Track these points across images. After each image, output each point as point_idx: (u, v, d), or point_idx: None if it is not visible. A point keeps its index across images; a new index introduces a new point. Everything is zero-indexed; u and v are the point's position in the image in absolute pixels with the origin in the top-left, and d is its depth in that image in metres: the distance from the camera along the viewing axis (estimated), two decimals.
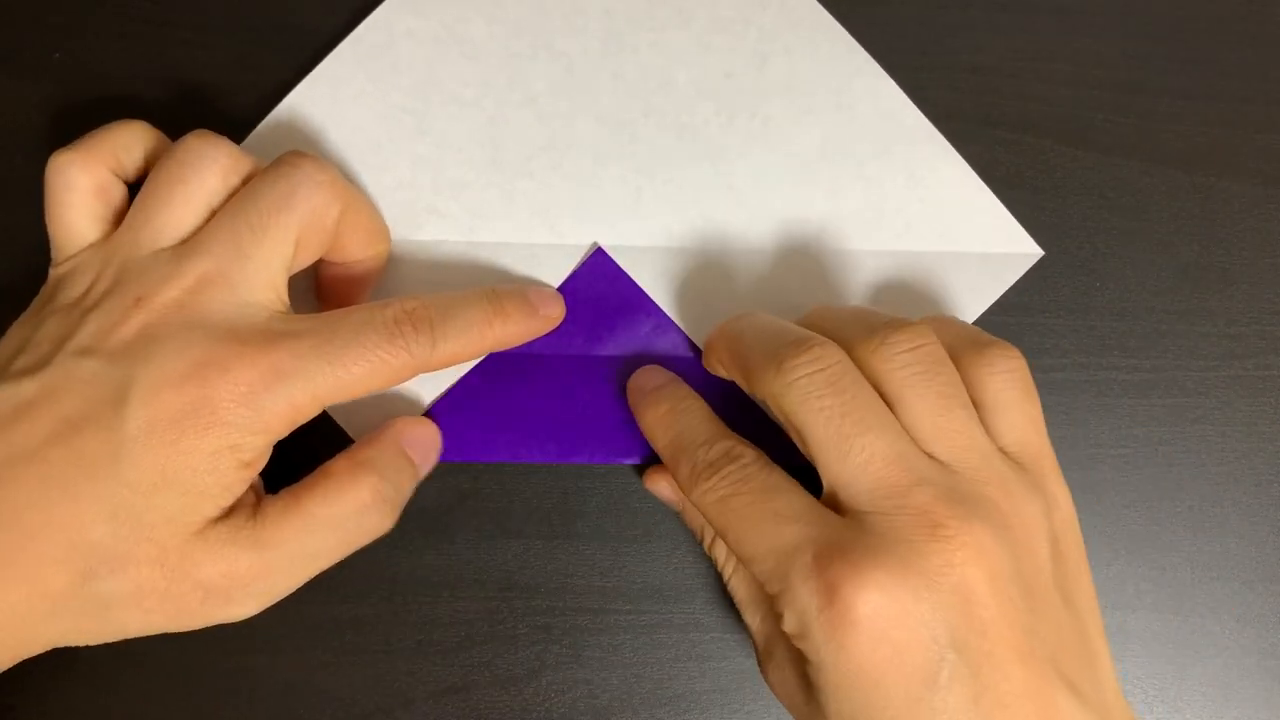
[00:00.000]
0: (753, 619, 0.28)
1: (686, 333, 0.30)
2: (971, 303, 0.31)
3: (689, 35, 0.31)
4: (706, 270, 0.31)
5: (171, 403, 0.23)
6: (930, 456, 0.24)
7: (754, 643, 0.28)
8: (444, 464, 0.30)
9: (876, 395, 0.24)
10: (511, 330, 0.27)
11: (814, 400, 0.24)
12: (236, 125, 0.31)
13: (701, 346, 0.30)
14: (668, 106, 0.31)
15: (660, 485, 0.30)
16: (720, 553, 0.29)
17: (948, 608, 0.22)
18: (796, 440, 0.25)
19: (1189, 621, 0.31)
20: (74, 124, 0.32)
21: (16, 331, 0.26)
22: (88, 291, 0.25)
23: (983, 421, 0.25)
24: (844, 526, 0.23)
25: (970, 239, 0.31)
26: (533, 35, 0.31)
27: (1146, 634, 0.31)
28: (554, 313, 0.29)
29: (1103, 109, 0.33)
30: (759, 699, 0.30)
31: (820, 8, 0.31)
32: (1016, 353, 0.26)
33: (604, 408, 0.30)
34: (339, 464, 0.26)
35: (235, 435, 0.24)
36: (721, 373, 0.28)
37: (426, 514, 0.30)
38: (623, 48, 0.31)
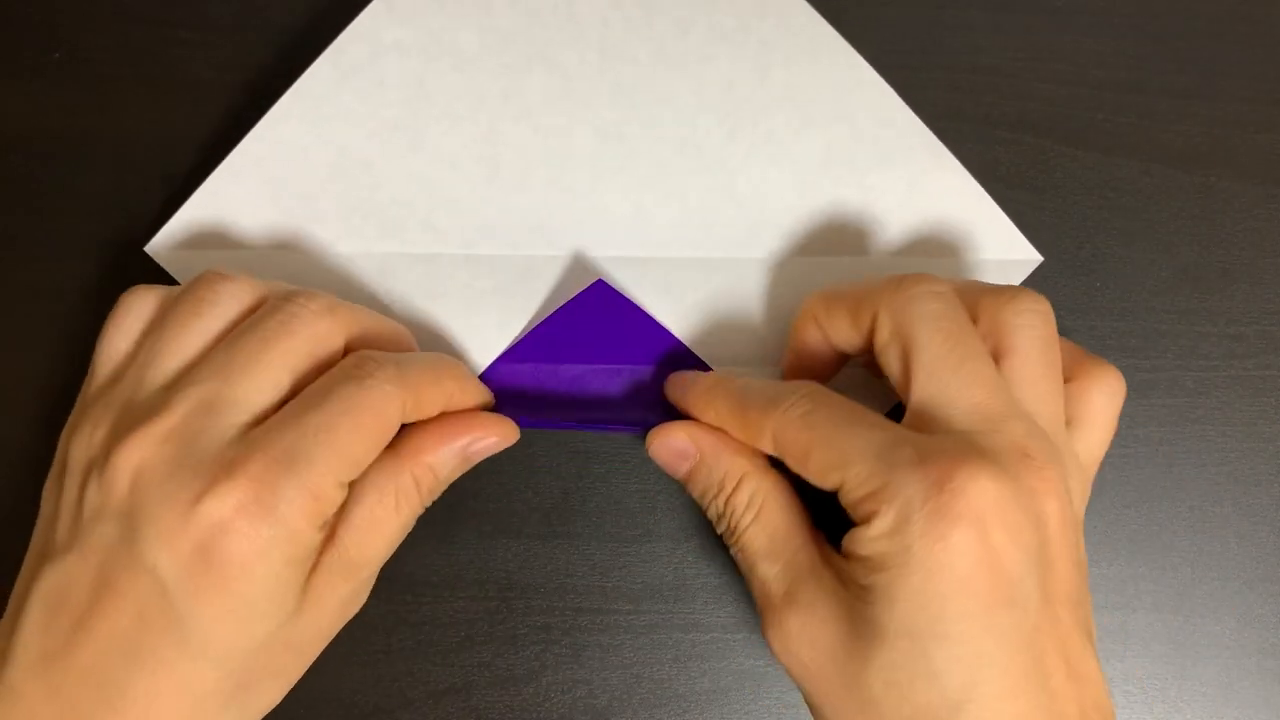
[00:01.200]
0: (769, 569, 0.26)
1: (689, 346, 0.30)
2: None
3: (688, 46, 0.31)
4: (709, 282, 0.31)
5: (195, 558, 0.23)
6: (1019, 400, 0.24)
7: (765, 598, 0.26)
8: None
9: (978, 334, 0.25)
10: (467, 393, 0.28)
11: (933, 319, 0.24)
12: (236, 125, 0.31)
13: (705, 360, 0.30)
14: (668, 119, 0.31)
15: (675, 436, 0.28)
16: (743, 499, 0.27)
17: (1036, 528, 0.22)
18: (898, 353, 0.25)
19: (1189, 621, 0.31)
20: (74, 124, 0.32)
21: (49, 493, 0.26)
22: (90, 439, 0.25)
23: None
24: (941, 436, 0.23)
25: (971, 246, 0.31)
26: (527, 45, 0.31)
27: (1146, 634, 0.31)
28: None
29: (1103, 109, 0.33)
30: (759, 699, 0.30)
31: (819, 18, 0.31)
32: (1122, 380, 0.27)
33: (615, 392, 0.30)
34: (404, 466, 0.26)
35: (278, 555, 0.23)
36: (710, 418, 0.28)
37: (426, 514, 0.30)
38: (621, 58, 0.31)
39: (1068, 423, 0.26)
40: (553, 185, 0.31)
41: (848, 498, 0.24)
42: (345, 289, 0.30)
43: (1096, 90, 0.33)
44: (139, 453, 0.23)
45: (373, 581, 0.27)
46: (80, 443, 0.25)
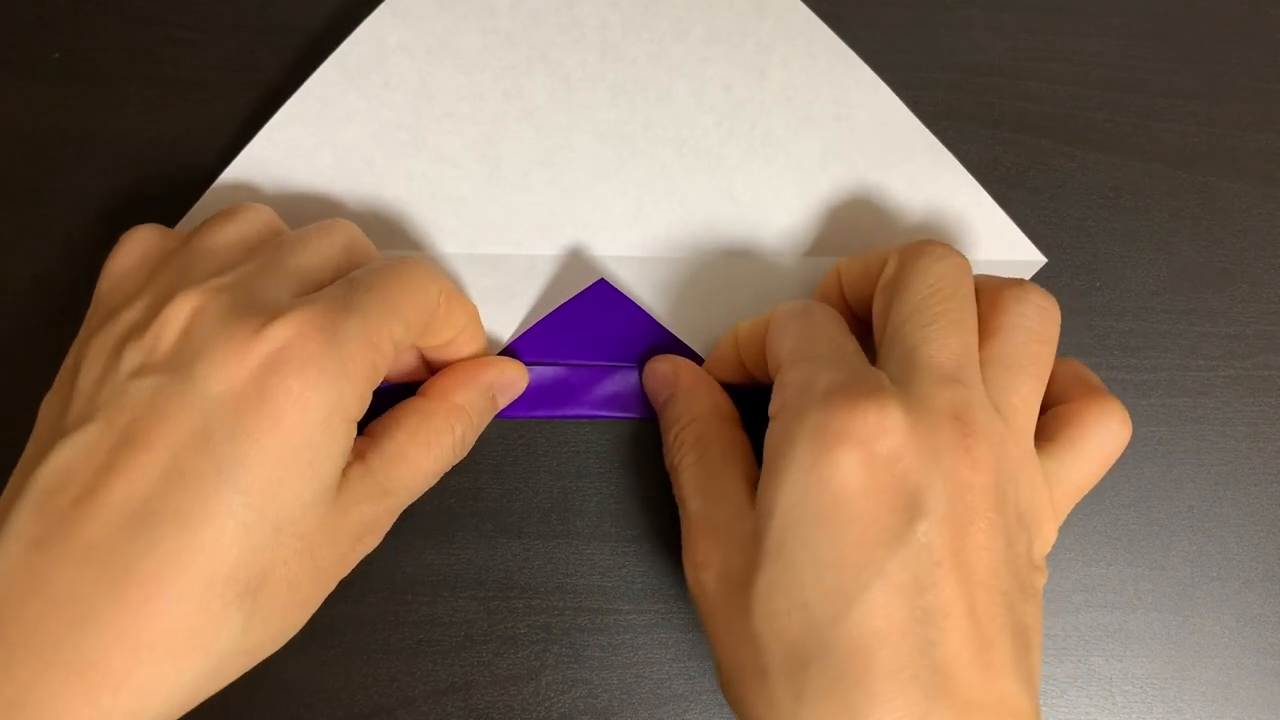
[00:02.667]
0: (699, 501, 0.26)
1: (687, 343, 0.30)
2: None
3: (687, 47, 0.31)
4: (708, 281, 0.31)
5: (250, 387, 0.22)
6: (987, 382, 0.24)
7: (688, 526, 0.26)
8: None
9: (975, 311, 0.25)
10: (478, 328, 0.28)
11: (932, 276, 0.25)
12: (236, 126, 0.31)
13: (705, 356, 0.30)
14: (667, 119, 0.31)
15: (663, 364, 0.29)
16: (691, 435, 0.27)
17: (949, 479, 0.22)
18: (882, 301, 0.25)
19: (1189, 621, 0.31)
20: (74, 124, 0.32)
21: (50, 400, 0.24)
22: (115, 328, 0.24)
23: (1042, 432, 0.25)
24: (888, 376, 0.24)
25: (972, 247, 0.31)
26: (528, 47, 0.31)
27: (1146, 634, 0.31)
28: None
29: (1103, 109, 0.33)
30: None
31: (816, 19, 0.31)
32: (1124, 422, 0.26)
33: (614, 388, 0.30)
34: (434, 406, 0.26)
35: (333, 393, 0.22)
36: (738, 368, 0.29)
37: (426, 514, 0.30)
38: (621, 59, 0.31)
39: (1051, 439, 0.25)
40: (553, 185, 0.31)
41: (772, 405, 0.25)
42: None
43: (1096, 90, 0.33)
44: (193, 302, 0.23)
45: (391, 522, 0.26)
46: (102, 340, 0.23)
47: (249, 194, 0.30)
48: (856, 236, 0.31)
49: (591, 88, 0.31)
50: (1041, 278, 0.31)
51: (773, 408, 0.25)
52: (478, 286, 0.30)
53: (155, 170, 0.31)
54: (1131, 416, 0.32)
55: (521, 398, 0.30)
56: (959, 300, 0.24)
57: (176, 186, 0.31)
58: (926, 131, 0.31)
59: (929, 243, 0.26)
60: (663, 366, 0.29)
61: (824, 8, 0.31)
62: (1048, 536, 0.25)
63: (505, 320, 0.30)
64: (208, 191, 0.30)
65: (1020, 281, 0.26)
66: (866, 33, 0.32)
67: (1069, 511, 0.26)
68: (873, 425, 0.22)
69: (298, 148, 0.30)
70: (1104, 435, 0.25)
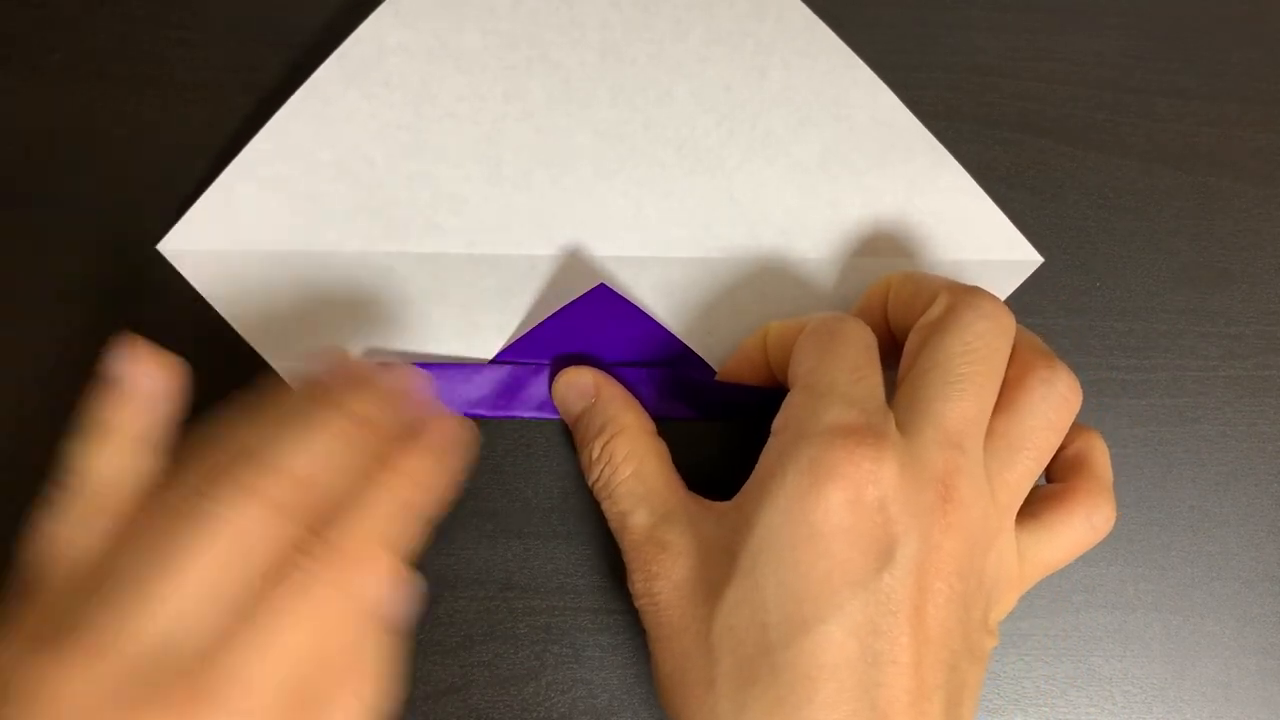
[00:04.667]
0: (643, 515, 0.26)
1: (687, 343, 0.30)
2: None
3: (687, 47, 0.31)
4: (708, 281, 0.31)
5: None
6: (988, 451, 0.25)
7: (634, 545, 0.26)
8: None
9: (1001, 378, 0.25)
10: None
11: (970, 334, 0.24)
12: (237, 126, 0.31)
13: (705, 357, 0.30)
14: (667, 119, 0.31)
15: (582, 376, 0.29)
16: (623, 449, 0.27)
17: (923, 538, 0.23)
18: (917, 340, 0.25)
19: (1189, 621, 0.31)
20: (74, 124, 0.32)
21: None
22: None
23: (1027, 507, 0.26)
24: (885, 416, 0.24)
25: (970, 247, 0.31)
26: (528, 47, 0.31)
27: (1146, 634, 0.31)
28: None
29: (1103, 109, 0.33)
30: None
31: (816, 19, 0.31)
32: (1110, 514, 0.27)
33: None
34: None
35: None
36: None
37: None
38: (621, 60, 0.31)
39: (1035, 515, 0.26)
40: (554, 185, 0.31)
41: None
42: (349, 288, 0.30)
43: (1096, 90, 0.33)
44: None
45: None
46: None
47: (250, 193, 0.30)
48: (856, 236, 0.31)
49: (591, 88, 0.31)
50: (1041, 278, 0.31)
51: (777, 423, 0.25)
52: (477, 287, 0.30)
53: (155, 170, 0.31)
54: (1131, 416, 0.32)
55: (522, 398, 0.30)
56: (989, 365, 0.25)
57: (177, 187, 0.31)
58: (926, 132, 0.31)
59: (979, 294, 0.25)
60: (582, 377, 0.29)
61: (824, 8, 0.31)
62: (1007, 605, 0.26)
63: (505, 321, 0.30)
64: (207, 191, 0.30)
65: (1051, 361, 0.26)
66: (866, 33, 0.31)
67: (1034, 584, 0.26)
68: (866, 472, 0.23)
69: (298, 148, 0.30)
70: (1085, 529, 0.26)
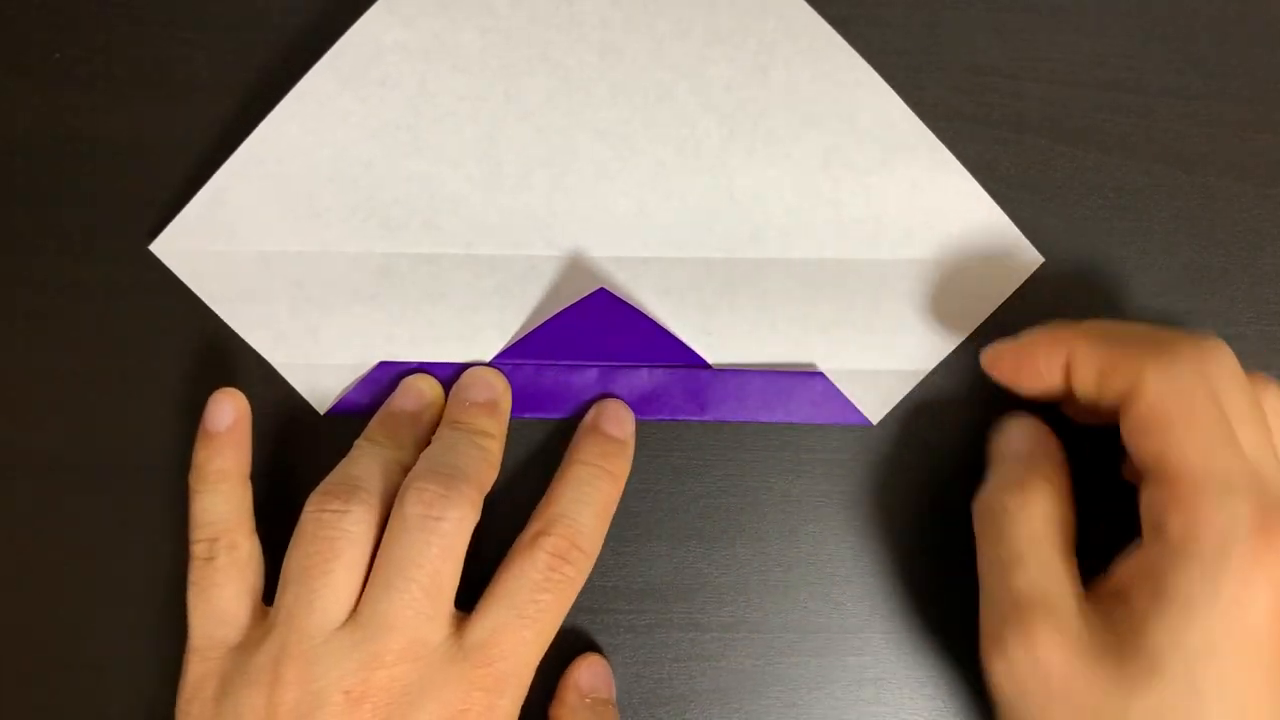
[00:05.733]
0: (1024, 574, 0.25)
1: (688, 344, 0.30)
2: (973, 310, 0.31)
3: (688, 47, 0.31)
4: (709, 282, 0.31)
5: None
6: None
7: (1012, 602, 0.24)
8: None
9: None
10: (625, 472, 0.29)
11: (1235, 381, 0.24)
12: (237, 126, 0.31)
13: (706, 358, 0.30)
14: (668, 119, 0.31)
15: (1018, 428, 0.28)
16: (1018, 500, 0.26)
17: None
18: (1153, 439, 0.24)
19: None
20: (74, 124, 0.32)
21: None
22: (273, 702, 0.24)
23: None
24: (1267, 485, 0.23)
25: (972, 247, 0.31)
26: (528, 46, 0.31)
27: None
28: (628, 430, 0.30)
29: (1103, 109, 0.33)
30: (759, 699, 0.30)
31: (819, 18, 0.31)
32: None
33: (613, 388, 0.30)
34: None
35: None
36: (1044, 373, 0.27)
37: None
38: (621, 59, 0.31)
39: None
40: (553, 185, 0.31)
41: (1159, 498, 0.23)
42: (347, 289, 0.30)
43: (1096, 90, 0.33)
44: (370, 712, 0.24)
45: None
46: (256, 694, 0.25)
47: (244, 194, 0.30)
48: (858, 237, 0.31)
49: (592, 87, 0.31)
50: (1041, 278, 0.31)
51: (1180, 531, 0.23)
52: (477, 288, 0.30)
53: (156, 171, 0.31)
54: None
55: (522, 399, 0.30)
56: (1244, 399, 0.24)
57: (178, 188, 0.31)
58: (928, 132, 0.31)
59: (1190, 349, 0.24)
60: (1020, 432, 0.28)
61: (825, 7, 0.31)
62: None
63: (505, 322, 0.30)
64: (201, 191, 0.30)
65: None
66: (867, 32, 0.31)
67: None
68: None
69: (293, 147, 0.30)
70: None
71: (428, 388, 0.30)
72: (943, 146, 0.31)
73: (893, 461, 0.31)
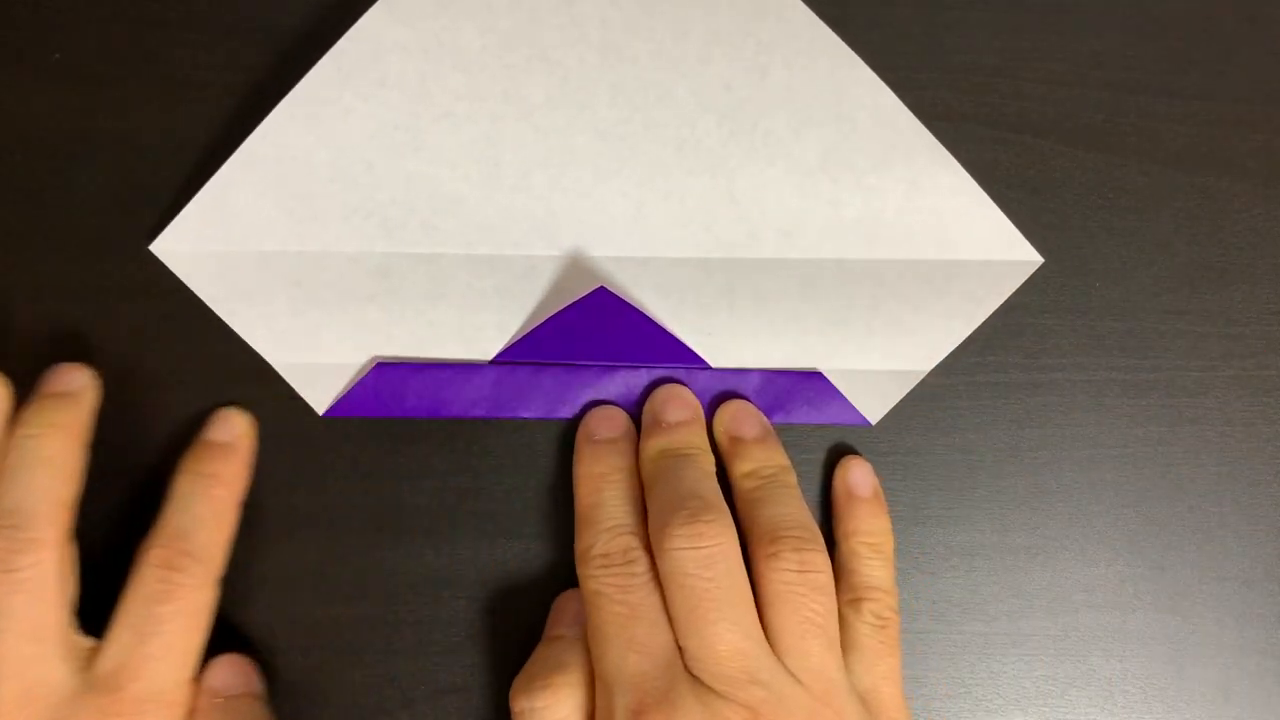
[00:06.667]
0: None
1: (687, 344, 0.30)
2: (972, 310, 0.31)
3: (687, 47, 0.31)
4: (708, 282, 0.31)
5: None
6: (781, 663, 0.25)
7: None
8: (445, 464, 0.30)
9: (748, 589, 0.26)
10: (237, 475, 0.29)
11: (686, 572, 0.25)
12: (237, 127, 0.31)
13: (705, 358, 0.30)
14: (668, 119, 0.31)
15: (571, 603, 0.29)
16: (545, 706, 0.27)
17: None
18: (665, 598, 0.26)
19: (1189, 621, 0.31)
20: (74, 124, 0.32)
21: None
22: None
23: (845, 658, 0.27)
24: (681, 684, 0.24)
25: (971, 247, 0.31)
26: (527, 46, 0.31)
27: (1146, 634, 0.31)
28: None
29: (1103, 109, 0.33)
30: None
31: (817, 20, 0.31)
32: (894, 605, 0.28)
33: (612, 389, 0.30)
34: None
35: None
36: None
37: (427, 514, 0.30)
38: (621, 59, 0.31)
39: (843, 645, 0.27)
40: (553, 185, 0.31)
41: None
42: (347, 289, 0.30)
43: (1096, 90, 0.33)
44: None
45: None
46: None
47: (244, 194, 0.30)
48: (857, 237, 0.31)
49: (591, 87, 0.31)
50: (1041, 278, 0.31)
51: None
52: (477, 287, 0.30)
53: (156, 171, 0.31)
54: (1131, 416, 0.32)
55: (522, 399, 0.30)
56: (725, 587, 0.25)
57: (178, 188, 0.31)
58: (927, 133, 0.31)
59: (675, 530, 0.26)
60: (572, 608, 0.29)
61: (824, 8, 0.31)
62: None
63: (504, 322, 0.30)
64: (201, 191, 0.30)
65: (769, 547, 0.27)
66: (867, 33, 0.31)
67: (902, 702, 0.28)
68: None
69: (293, 147, 0.30)
70: (876, 628, 0.28)
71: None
72: (942, 147, 0.31)
73: (891, 462, 0.31)
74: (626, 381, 0.30)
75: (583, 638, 0.27)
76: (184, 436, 0.28)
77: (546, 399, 0.30)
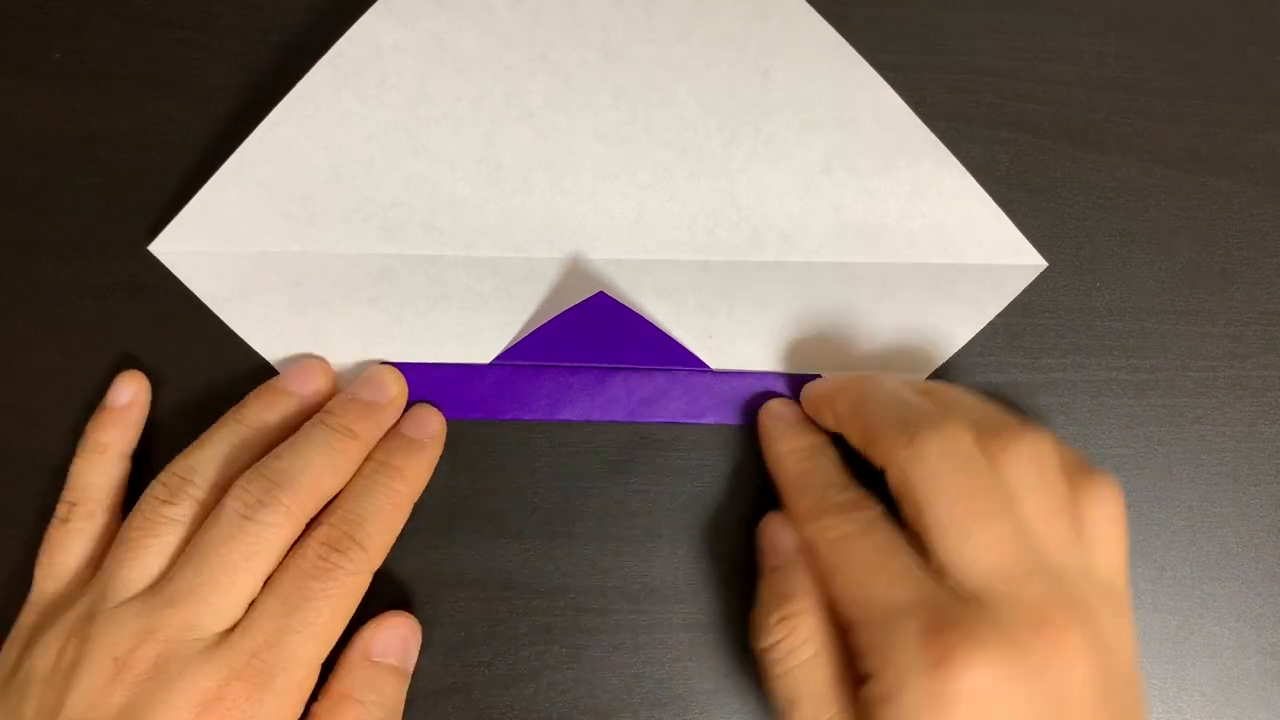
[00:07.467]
0: (806, 709, 0.25)
1: (688, 347, 0.30)
2: (975, 314, 0.31)
3: (690, 49, 0.31)
4: (709, 285, 0.31)
5: None
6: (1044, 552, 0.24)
7: None
8: (445, 464, 0.30)
9: (1001, 485, 0.25)
10: (421, 474, 0.29)
11: (945, 479, 0.24)
12: (237, 127, 0.31)
13: (706, 361, 0.30)
14: (669, 122, 0.31)
15: (786, 533, 0.28)
16: (809, 627, 0.26)
17: (1044, 700, 0.22)
18: (909, 511, 0.25)
19: (1189, 621, 0.31)
20: (74, 124, 0.32)
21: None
22: (60, 656, 0.25)
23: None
24: (956, 601, 0.23)
25: (974, 251, 0.31)
26: (528, 47, 0.31)
27: (1146, 634, 0.31)
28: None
29: (1103, 109, 0.33)
30: (759, 699, 0.30)
31: (821, 20, 0.31)
32: (1119, 490, 0.27)
33: (612, 390, 0.30)
34: (320, 707, 0.27)
35: None
36: (830, 423, 0.28)
37: (426, 514, 0.30)
38: (623, 61, 0.31)
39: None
40: (554, 187, 0.31)
41: (854, 640, 0.24)
42: (347, 290, 0.30)
43: (1096, 90, 0.33)
44: (124, 685, 0.24)
45: None
46: (49, 648, 0.25)
47: (243, 195, 0.30)
48: (860, 239, 0.31)
49: (593, 89, 0.31)
50: (1041, 278, 0.31)
51: (870, 672, 0.24)
52: (476, 290, 0.30)
53: (156, 171, 0.31)
54: (1131, 416, 0.32)
55: (521, 400, 0.30)
56: (981, 491, 0.24)
57: (178, 188, 0.31)
58: (931, 135, 0.31)
59: (923, 445, 0.25)
60: (784, 537, 0.28)
61: (825, 7, 0.31)
62: (1133, 638, 0.25)
63: (504, 324, 0.30)
64: (200, 192, 0.30)
65: (1006, 436, 0.25)
66: (867, 33, 0.31)
67: (1128, 584, 0.26)
68: (970, 683, 0.22)
69: (292, 148, 0.30)
70: (1112, 523, 0.26)
71: (323, 378, 0.30)
72: (945, 150, 0.31)
73: None
74: (626, 384, 0.30)
75: (800, 561, 0.27)
76: (185, 437, 0.28)
77: (546, 401, 0.30)
